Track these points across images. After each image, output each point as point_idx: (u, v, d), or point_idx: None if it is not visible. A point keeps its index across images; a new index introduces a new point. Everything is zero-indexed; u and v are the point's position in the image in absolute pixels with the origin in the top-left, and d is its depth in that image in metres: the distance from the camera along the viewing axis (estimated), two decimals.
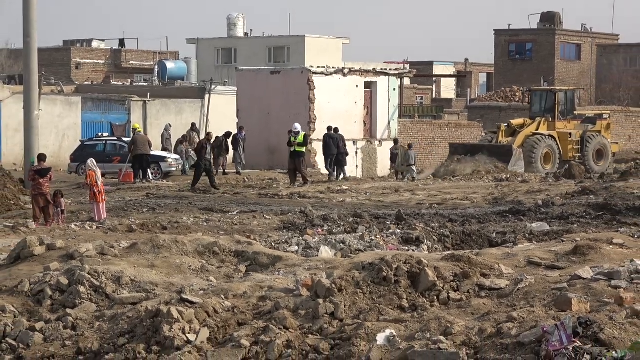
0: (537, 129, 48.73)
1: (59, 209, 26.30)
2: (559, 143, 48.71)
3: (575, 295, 10.39)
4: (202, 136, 50.68)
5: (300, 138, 37.61)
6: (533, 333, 9.30)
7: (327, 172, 41.09)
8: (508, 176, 42.67)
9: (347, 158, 42.54)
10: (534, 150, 47.46)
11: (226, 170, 43.43)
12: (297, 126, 38.48)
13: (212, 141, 38.37)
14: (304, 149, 37.83)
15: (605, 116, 53.42)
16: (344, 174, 41.25)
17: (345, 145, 41.74)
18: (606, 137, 50.86)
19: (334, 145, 40.71)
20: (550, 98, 50.37)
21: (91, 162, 27.63)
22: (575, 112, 51.92)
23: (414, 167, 44.15)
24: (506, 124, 50.78)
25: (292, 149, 37.33)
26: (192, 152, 46.74)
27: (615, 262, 12.38)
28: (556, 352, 8.87)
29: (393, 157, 44.87)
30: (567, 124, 49.93)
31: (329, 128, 41.44)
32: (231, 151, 44.56)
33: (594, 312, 9.87)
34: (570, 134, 49.40)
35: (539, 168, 46.68)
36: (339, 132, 41.55)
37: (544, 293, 11.06)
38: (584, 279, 11.30)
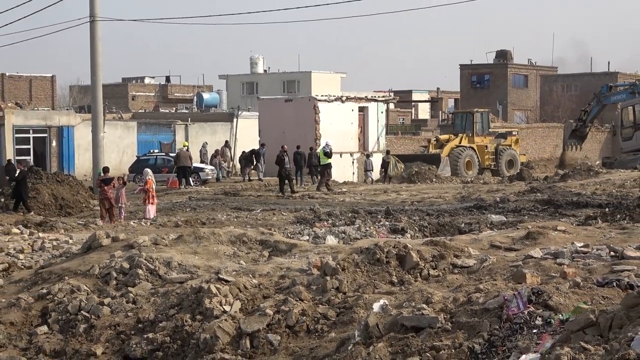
0: (460, 142, 49.06)
1: (120, 203, 26.22)
2: (477, 154, 49.02)
3: (528, 271, 10.34)
4: (233, 151, 50.84)
5: (321, 153, 37.67)
6: (496, 301, 9.25)
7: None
8: (472, 179, 42.61)
9: (346, 165, 42.58)
10: (458, 159, 47.87)
11: (251, 178, 43.40)
12: (330, 143, 38.63)
13: (286, 152, 37.81)
14: (328, 161, 37.76)
15: (514, 133, 53.96)
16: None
17: (319, 160, 41.80)
18: (515, 150, 51.24)
19: (301, 160, 40.42)
20: (469, 118, 50.70)
21: (149, 172, 27.73)
22: (490, 129, 52.37)
23: (371, 172, 44.37)
24: (435, 138, 51.21)
25: (327, 161, 37.35)
26: (225, 164, 46.77)
27: (559, 244, 12.34)
28: (514, 315, 8.82)
29: (384, 165, 44.79)
30: (483, 138, 50.29)
31: (298, 147, 41.08)
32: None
33: (544, 284, 9.83)
34: (486, 146, 49.84)
35: (462, 173, 47.05)
36: (315, 150, 41.44)
37: (504, 269, 11.02)
38: (535, 258, 11.25)
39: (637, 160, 45.27)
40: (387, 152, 45.99)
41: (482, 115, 51.46)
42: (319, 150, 44.26)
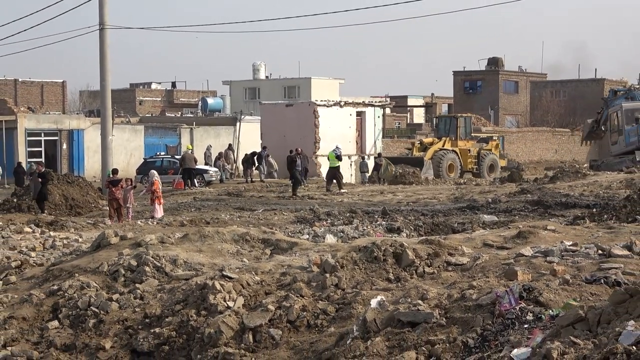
0: (443, 146, 48.95)
1: (128, 204, 26.20)
2: (460, 157, 48.91)
3: (520, 268, 10.32)
4: (236, 153, 50.81)
5: (332, 155, 37.61)
6: (489, 297, 9.23)
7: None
8: (465, 181, 42.59)
9: (344, 168, 42.52)
10: (440, 162, 47.76)
11: (253, 179, 43.36)
12: (340, 146, 38.62)
13: (300, 154, 37.60)
14: (338, 164, 37.65)
15: (494, 138, 54.03)
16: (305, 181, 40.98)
17: (308, 162, 41.79)
18: (495, 154, 51.20)
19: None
20: (453, 122, 50.61)
21: (155, 173, 27.70)
22: (472, 134, 52.33)
23: (366, 173, 44.53)
24: (419, 142, 51.20)
25: (337, 164, 37.32)
26: (228, 166, 46.76)
27: (549, 243, 12.31)
28: (506, 311, 8.81)
29: (377, 167, 44.83)
30: (466, 142, 50.15)
31: (291, 151, 40.82)
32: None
33: (535, 281, 9.80)
34: (469, 150, 49.70)
35: (445, 175, 46.96)
36: (305, 153, 41.31)
37: (496, 267, 10.99)
38: (526, 256, 11.23)
39: (623, 163, 45.35)
40: (379, 155, 46.02)
41: (465, 120, 51.42)
42: (319, 152, 44.37)
